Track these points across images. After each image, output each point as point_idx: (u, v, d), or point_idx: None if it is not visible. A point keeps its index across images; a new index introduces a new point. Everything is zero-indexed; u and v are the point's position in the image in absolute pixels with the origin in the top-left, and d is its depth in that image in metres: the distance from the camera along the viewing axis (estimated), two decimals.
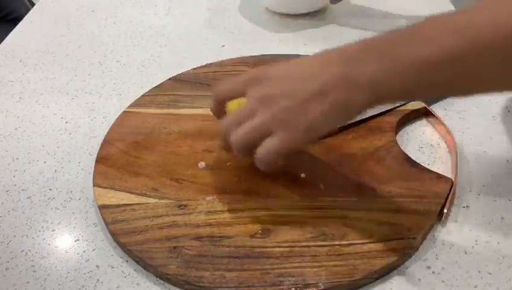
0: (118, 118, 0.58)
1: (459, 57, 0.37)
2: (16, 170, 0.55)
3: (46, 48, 0.77)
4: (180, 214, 0.45)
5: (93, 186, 0.49)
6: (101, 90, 0.67)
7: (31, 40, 0.79)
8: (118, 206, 0.47)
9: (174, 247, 0.43)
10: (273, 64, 0.45)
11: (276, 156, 0.43)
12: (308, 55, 0.46)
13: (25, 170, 0.55)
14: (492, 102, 0.61)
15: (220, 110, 0.46)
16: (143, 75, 0.70)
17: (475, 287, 0.42)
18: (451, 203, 0.47)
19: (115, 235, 0.45)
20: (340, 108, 0.41)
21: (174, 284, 0.41)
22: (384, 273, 0.42)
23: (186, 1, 0.88)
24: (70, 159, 0.56)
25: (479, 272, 0.43)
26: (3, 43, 0.79)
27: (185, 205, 0.46)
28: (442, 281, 0.42)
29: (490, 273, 0.42)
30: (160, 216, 0.45)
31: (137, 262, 0.43)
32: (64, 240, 0.47)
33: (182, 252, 0.42)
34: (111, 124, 0.59)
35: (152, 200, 0.47)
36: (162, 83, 0.64)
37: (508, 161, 0.53)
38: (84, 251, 0.46)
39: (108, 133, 0.56)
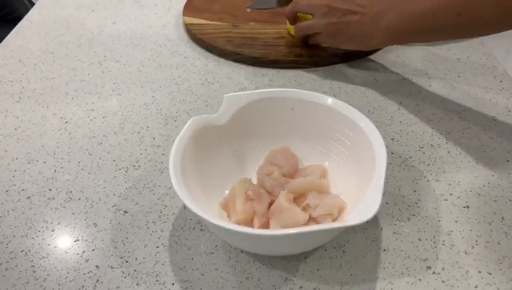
0: None
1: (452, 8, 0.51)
2: (15, 170, 0.55)
3: (46, 48, 0.77)
4: (233, 29, 0.78)
5: (183, 16, 0.82)
6: (101, 90, 0.67)
7: (31, 40, 0.79)
8: (198, 24, 0.80)
9: (230, 40, 0.75)
10: None
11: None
12: None
13: (24, 170, 0.55)
14: (493, 102, 0.61)
15: (293, 17, 0.71)
16: (143, 75, 0.70)
17: (475, 287, 0.42)
18: None
19: (195, 35, 0.77)
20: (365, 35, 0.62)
21: (227, 57, 0.73)
22: None
23: (185, 1, 0.87)
24: (70, 159, 0.56)
25: (479, 272, 0.43)
26: (3, 43, 0.79)
27: (237, 25, 0.79)
28: (442, 281, 0.42)
29: (490, 273, 0.42)
30: (221, 29, 0.78)
31: (206, 48, 0.76)
32: (63, 240, 0.47)
33: (234, 42, 0.75)
34: (111, 124, 0.59)
35: (217, 23, 0.80)
36: None
37: (508, 161, 0.53)
38: (83, 251, 0.46)
39: None
